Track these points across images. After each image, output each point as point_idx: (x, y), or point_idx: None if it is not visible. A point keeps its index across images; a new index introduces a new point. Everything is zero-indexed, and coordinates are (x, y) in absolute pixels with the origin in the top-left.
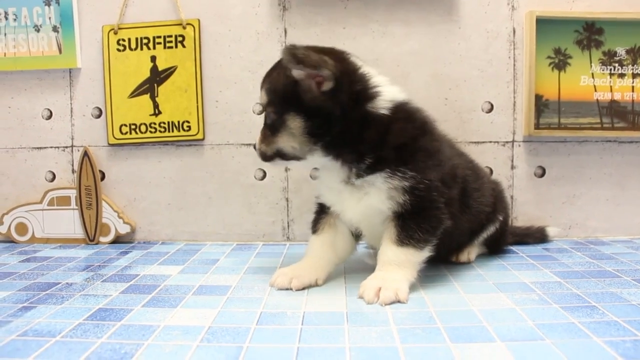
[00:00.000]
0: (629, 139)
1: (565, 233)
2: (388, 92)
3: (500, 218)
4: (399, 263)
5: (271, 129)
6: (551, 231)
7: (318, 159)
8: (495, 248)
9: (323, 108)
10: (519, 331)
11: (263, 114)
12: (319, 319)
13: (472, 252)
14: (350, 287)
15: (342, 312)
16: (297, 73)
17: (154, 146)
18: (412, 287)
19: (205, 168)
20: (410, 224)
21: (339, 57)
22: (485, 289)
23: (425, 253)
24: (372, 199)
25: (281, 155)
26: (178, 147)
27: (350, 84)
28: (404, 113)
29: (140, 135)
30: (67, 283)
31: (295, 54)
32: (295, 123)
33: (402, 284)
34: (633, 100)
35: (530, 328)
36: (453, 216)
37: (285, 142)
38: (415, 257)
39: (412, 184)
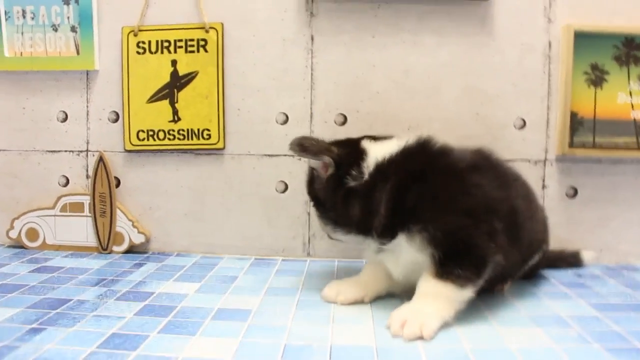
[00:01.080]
0: None
1: (597, 257)
2: (372, 156)
3: (545, 247)
4: (435, 296)
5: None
6: (586, 255)
7: (349, 238)
8: (530, 276)
9: (321, 194)
10: None
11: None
12: (348, 354)
13: (508, 283)
14: (377, 316)
15: (372, 346)
16: (312, 162)
17: (172, 154)
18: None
19: (225, 178)
20: (449, 262)
21: (350, 144)
22: (520, 323)
23: (467, 293)
24: (407, 257)
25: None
26: (197, 155)
27: (348, 167)
28: (388, 168)
29: (158, 142)
30: (78, 300)
31: (301, 144)
32: (316, 211)
33: (431, 320)
34: None
35: None
36: (501, 250)
37: (322, 227)
38: (455, 294)
39: (434, 234)
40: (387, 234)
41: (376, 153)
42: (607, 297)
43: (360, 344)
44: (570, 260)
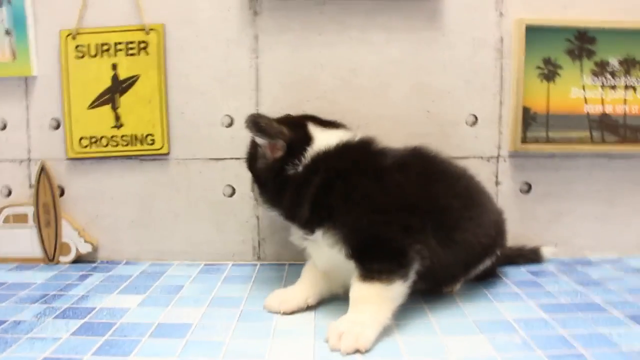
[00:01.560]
0: (619, 154)
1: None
2: (315, 145)
3: (498, 253)
4: (366, 300)
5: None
6: (546, 251)
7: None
8: (486, 278)
9: (264, 174)
10: None
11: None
12: None
13: (456, 285)
14: (320, 326)
15: None
16: (258, 140)
17: (116, 160)
18: (387, 328)
19: (171, 184)
20: (370, 260)
21: (298, 127)
22: (464, 330)
23: (397, 288)
24: (326, 252)
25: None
26: (142, 161)
27: (295, 153)
28: (319, 163)
29: (101, 148)
30: (14, 321)
31: (257, 123)
32: (254, 187)
33: (367, 329)
34: (625, 114)
35: None
36: (420, 243)
37: (260, 203)
38: (384, 292)
39: (346, 233)
40: (307, 227)
41: (319, 143)
42: (558, 296)
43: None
44: (530, 256)
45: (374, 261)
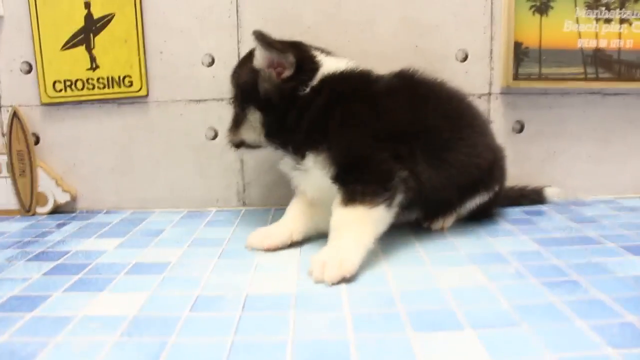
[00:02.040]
0: (614, 90)
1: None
2: (323, 68)
3: (496, 189)
4: (348, 224)
5: (235, 121)
6: (550, 192)
7: (269, 147)
8: (481, 216)
9: (272, 96)
10: (492, 315)
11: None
12: (263, 304)
13: (448, 219)
14: (305, 262)
15: (290, 294)
16: (260, 61)
17: (93, 104)
18: (374, 260)
19: (151, 128)
20: (353, 183)
21: (298, 47)
22: (456, 262)
23: (380, 212)
24: (316, 178)
25: (245, 145)
26: (120, 105)
27: (301, 72)
28: (324, 86)
29: (77, 92)
30: None
31: (265, 38)
32: (254, 116)
33: (349, 253)
34: (619, 49)
35: (505, 311)
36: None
37: (247, 134)
38: (366, 215)
39: (335, 155)
40: (300, 152)
41: (326, 68)
42: (551, 232)
43: (278, 292)
44: (533, 197)
45: (358, 183)
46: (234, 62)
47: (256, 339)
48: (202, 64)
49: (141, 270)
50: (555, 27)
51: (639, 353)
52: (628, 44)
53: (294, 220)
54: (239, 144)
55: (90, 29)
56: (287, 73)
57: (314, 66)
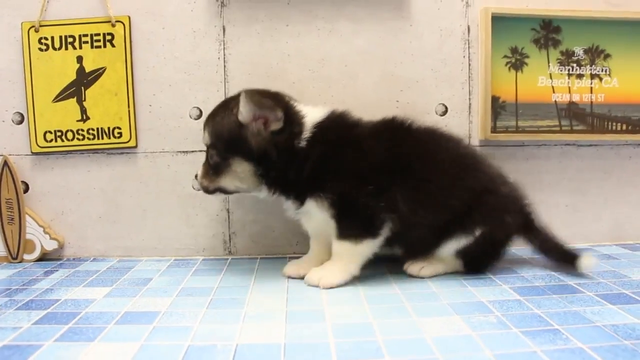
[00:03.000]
0: (588, 142)
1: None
2: (308, 121)
3: (478, 232)
4: (339, 254)
5: (214, 169)
6: (584, 263)
7: (264, 194)
8: (474, 266)
9: (267, 150)
10: None
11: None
12: (253, 354)
13: (427, 267)
14: (291, 312)
15: (280, 344)
16: (246, 117)
17: (82, 154)
18: (361, 312)
19: (139, 178)
20: (345, 222)
21: (282, 100)
22: (439, 311)
23: (366, 248)
24: (316, 219)
25: (223, 191)
26: (109, 155)
27: (291, 125)
28: (317, 136)
29: (67, 142)
30: None
31: (254, 95)
32: (241, 167)
33: (331, 274)
34: (592, 102)
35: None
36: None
37: (228, 182)
38: (353, 249)
39: (333, 200)
40: (300, 199)
41: (310, 119)
42: (532, 281)
43: (267, 342)
44: (563, 258)
45: (347, 225)
46: None
47: None
48: (190, 116)
49: (131, 320)
50: (530, 82)
51: None
52: (599, 98)
53: (318, 253)
54: (214, 190)
55: (81, 82)
56: (276, 126)
57: (301, 118)
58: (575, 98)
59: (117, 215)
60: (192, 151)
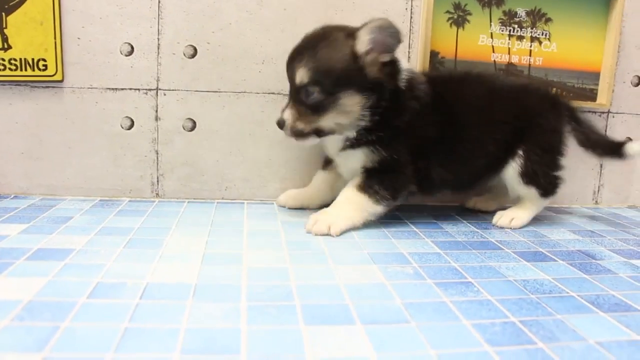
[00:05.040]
0: None
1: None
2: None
3: (521, 152)
4: (351, 203)
5: (314, 108)
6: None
7: (353, 133)
8: (546, 186)
9: (382, 79)
10: (384, 312)
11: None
12: (162, 292)
13: (516, 218)
14: (209, 255)
15: (191, 284)
16: (367, 46)
17: (3, 86)
18: (279, 259)
19: (65, 114)
20: (378, 179)
21: None
22: (357, 260)
23: (379, 209)
24: (355, 165)
25: (319, 132)
26: (33, 88)
27: (394, 62)
28: (408, 86)
29: None
30: None
31: (385, 25)
32: (353, 100)
33: (339, 220)
34: (530, 65)
35: (397, 308)
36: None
37: (331, 120)
38: (368, 206)
39: (381, 158)
40: (357, 145)
41: (404, 69)
42: (455, 235)
43: (178, 282)
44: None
45: (375, 182)
46: (153, 52)
47: (150, 325)
48: (121, 52)
49: (42, 256)
50: (471, 40)
51: (514, 350)
52: (538, 61)
53: (315, 191)
54: (309, 133)
55: (2, 7)
56: (387, 58)
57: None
58: (514, 59)
59: (41, 152)
60: (122, 89)
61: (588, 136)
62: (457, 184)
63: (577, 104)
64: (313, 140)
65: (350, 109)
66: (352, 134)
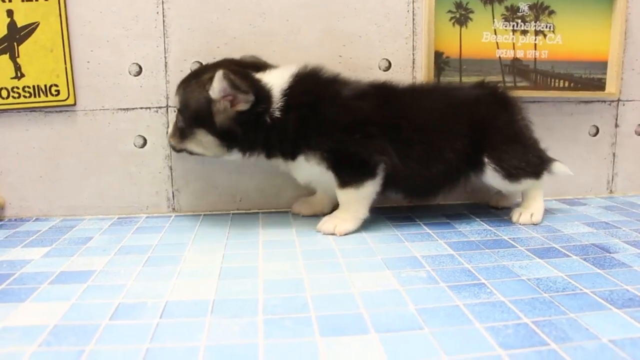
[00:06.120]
0: (531, 98)
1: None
2: (276, 92)
3: (485, 158)
4: (346, 202)
5: (181, 132)
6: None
7: (235, 158)
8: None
9: (231, 128)
10: (398, 319)
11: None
12: (181, 310)
13: (536, 213)
14: (225, 269)
15: (208, 300)
16: (217, 94)
17: (19, 113)
18: (294, 268)
19: (79, 136)
20: (342, 171)
21: (248, 78)
22: (371, 267)
23: (368, 188)
24: (306, 170)
25: (189, 152)
26: (47, 113)
27: (257, 103)
28: (290, 102)
29: (1, 101)
30: None
31: (233, 79)
32: (205, 138)
33: (344, 222)
34: (535, 59)
35: (411, 314)
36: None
37: (194, 147)
38: (357, 194)
39: (323, 155)
40: (289, 156)
41: (277, 87)
42: (468, 235)
43: (197, 298)
44: None
45: (345, 173)
46: (161, 71)
47: (171, 344)
48: (130, 73)
49: (65, 280)
50: (475, 38)
51: (527, 353)
52: (543, 54)
53: (328, 194)
54: (180, 150)
55: (13, 38)
56: (243, 107)
57: (268, 93)
58: (520, 54)
59: (58, 174)
60: (133, 108)
61: None
62: (413, 181)
63: (586, 94)
64: (188, 154)
65: (206, 145)
66: (234, 157)
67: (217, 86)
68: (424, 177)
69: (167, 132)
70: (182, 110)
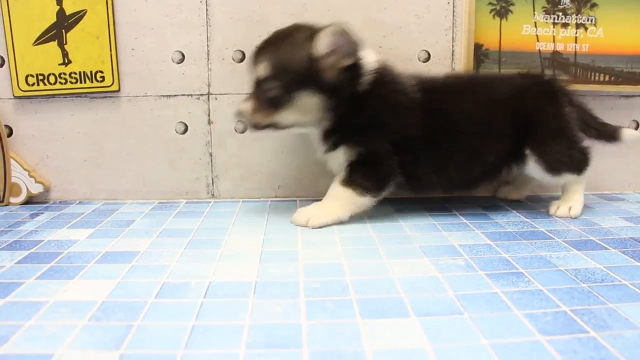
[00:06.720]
0: None
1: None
2: (366, 64)
3: (527, 151)
4: (336, 198)
5: (271, 103)
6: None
7: (315, 130)
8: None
9: (340, 84)
10: (437, 304)
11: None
12: (224, 291)
13: (574, 206)
14: (266, 253)
15: (251, 282)
16: (325, 49)
17: (65, 98)
18: (333, 254)
19: (123, 122)
20: (359, 171)
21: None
22: (410, 254)
23: (365, 201)
24: (342, 163)
25: (276, 126)
26: (92, 99)
27: (356, 66)
28: (375, 86)
29: (49, 86)
30: None
31: (346, 34)
32: (310, 100)
33: (321, 216)
34: (576, 52)
35: (450, 300)
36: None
37: (288, 116)
38: (353, 199)
39: (360, 152)
40: (335, 142)
41: (367, 62)
42: (505, 226)
43: (239, 280)
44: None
45: (360, 175)
46: (203, 59)
47: (215, 323)
48: (173, 60)
49: (111, 259)
50: (515, 30)
51: (566, 339)
52: (584, 48)
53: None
54: (266, 126)
55: (62, 25)
56: (348, 62)
57: (362, 60)
58: (560, 47)
59: (102, 159)
60: (175, 95)
61: (583, 119)
62: (447, 185)
63: (627, 88)
64: (270, 133)
65: (307, 108)
66: (315, 130)
67: (328, 41)
68: (463, 179)
69: (239, 114)
70: (278, 74)
